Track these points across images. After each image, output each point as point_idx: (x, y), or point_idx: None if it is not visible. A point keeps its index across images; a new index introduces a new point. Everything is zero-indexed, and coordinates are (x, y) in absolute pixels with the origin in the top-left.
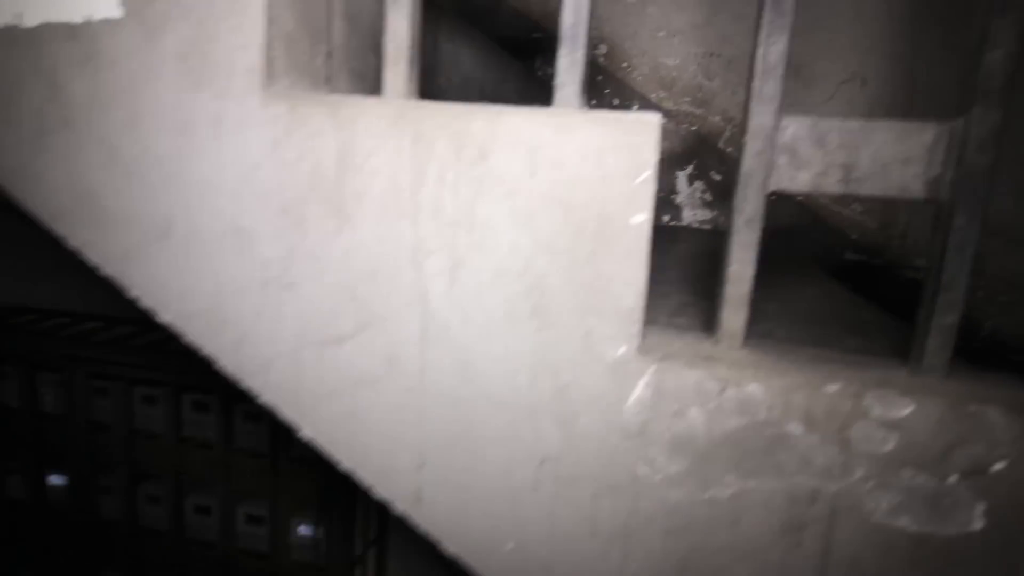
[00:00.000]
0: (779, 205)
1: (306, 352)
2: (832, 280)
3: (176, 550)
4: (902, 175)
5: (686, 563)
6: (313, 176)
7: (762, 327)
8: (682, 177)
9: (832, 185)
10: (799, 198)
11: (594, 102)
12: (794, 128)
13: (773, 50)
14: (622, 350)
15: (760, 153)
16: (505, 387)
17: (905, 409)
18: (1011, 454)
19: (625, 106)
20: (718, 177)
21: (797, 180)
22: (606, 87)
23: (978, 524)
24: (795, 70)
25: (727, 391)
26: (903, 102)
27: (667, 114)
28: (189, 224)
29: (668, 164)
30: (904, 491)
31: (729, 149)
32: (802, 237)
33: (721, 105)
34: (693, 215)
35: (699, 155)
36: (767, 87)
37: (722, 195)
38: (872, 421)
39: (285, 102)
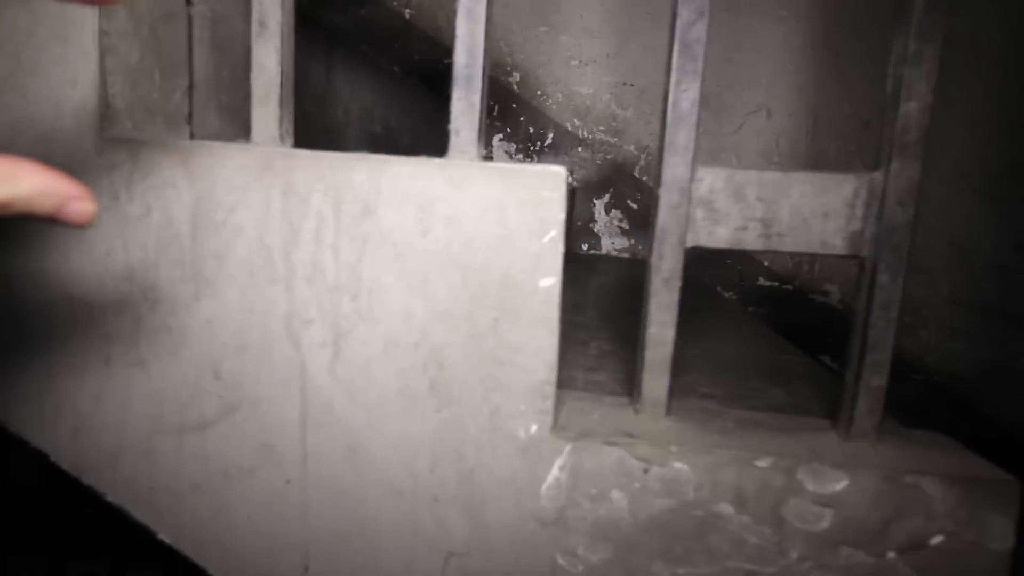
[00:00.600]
0: None
1: (161, 441)
2: (747, 313)
3: None
4: (823, 230)
5: None
6: (163, 235)
7: (684, 379)
8: (599, 206)
9: (752, 240)
10: None
11: (508, 129)
12: (710, 180)
13: (685, 97)
14: (533, 429)
15: (676, 207)
16: (402, 474)
17: (839, 483)
18: (948, 527)
19: (540, 134)
20: (635, 206)
21: (716, 235)
22: (521, 115)
23: None
24: (704, 100)
25: (651, 471)
26: (806, 133)
27: (582, 143)
28: (10, 292)
29: (585, 193)
30: (842, 571)
31: (644, 178)
32: (717, 264)
33: (635, 134)
34: (611, 243)
35: (615, 184)
36: (680, 136)
37: (639, 223)
38: (806, 497)
39: (126, 148)
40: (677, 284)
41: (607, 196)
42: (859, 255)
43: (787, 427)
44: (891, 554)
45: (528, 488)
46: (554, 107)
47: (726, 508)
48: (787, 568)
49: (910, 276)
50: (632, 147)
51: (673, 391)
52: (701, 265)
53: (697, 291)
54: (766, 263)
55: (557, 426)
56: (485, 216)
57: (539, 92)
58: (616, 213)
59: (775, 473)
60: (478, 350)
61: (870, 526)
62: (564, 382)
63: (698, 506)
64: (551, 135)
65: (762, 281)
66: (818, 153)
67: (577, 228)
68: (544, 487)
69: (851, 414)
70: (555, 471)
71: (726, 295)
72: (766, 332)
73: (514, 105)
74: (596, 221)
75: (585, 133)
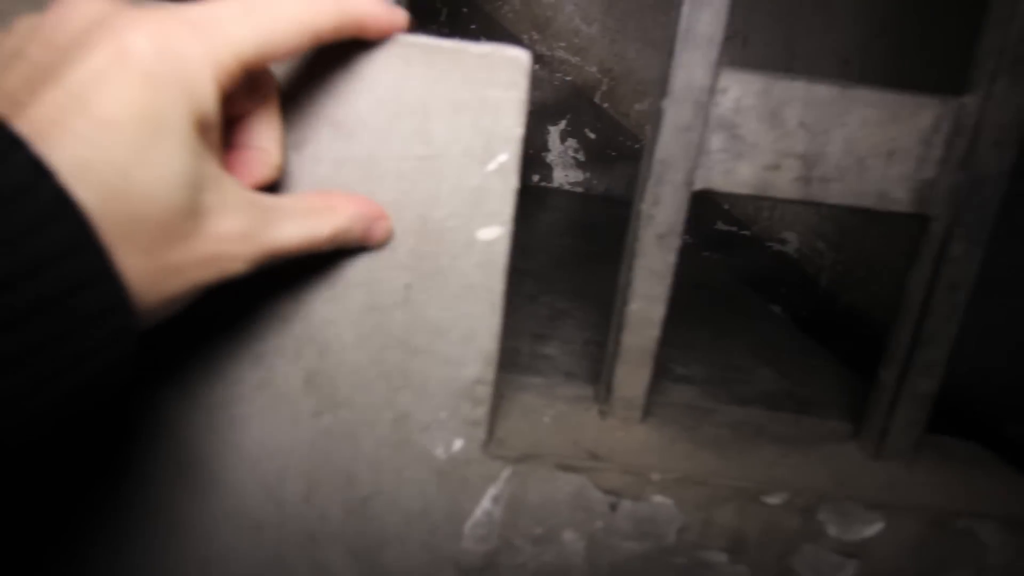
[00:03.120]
0: None
1: None
2: (711, 261)
3: None
4: (884, 176)
5: None
6: None
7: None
8: (554, 133)
9: (786, 186)
10: None
11: (456, 39)
12: (737, 91)
13: None
14: (457, 445)
15: (687, 129)
16: (263, 502)
17: (872, 527)
18: None
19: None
20: (592, 135)
21: (736, 175)
22: (472, 21)
23: None
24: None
25: (621, 506)
26: (783, 66)
27: (540, 60)
28: None
29: (539, 117)
30: None
31: (605, 105)
32: None
33: (598, 54)
34: (565, 176)
35: (573, 109)
36: (702, 19)
37: (596, 155)
38: (826, 544)
39: None
40: (676, 243)
41: (563, 123)
42: (927, 214)
43: (797, 436)
44: None
45: (446, 525)
46: (511, 16)
47: (717, 556)
48: None
49: (873, 227)
50: (595, 69)
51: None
52: None
53: None
54: (726, 206)
55: (493, 440)
56: (396, 124)
57: None
58: (572, 142)
59: (789, 513)
60: (379, 330)
61: None
62: (504, 356)
63: (680, 552)
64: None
65: (720, 225)
66: None
67: (528, 157)
68: (469, 524)
69: (886, 425)
70: (486, 503)
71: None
72: (738, 288)
73: (465, 9)
74: (549, 150)
75: (543, 49)
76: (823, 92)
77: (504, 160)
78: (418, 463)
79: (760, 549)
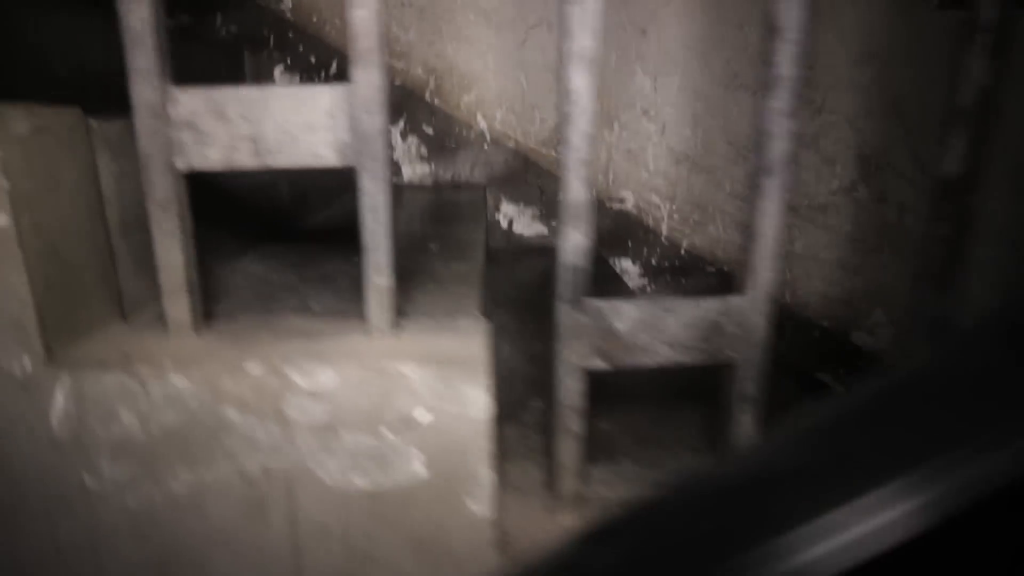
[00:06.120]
0: (493, 152)
1: None
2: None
3: None
4: (312, 142)
5: (164, 562)
6: None
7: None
8: (395, 132)
9: (247, 160)
10: (510, 143)
11: (289, 60)
12: (189, 102)
13: (135, 17)
14: (27, 362)
15: (156, 132)
16: None
17: (326, 375)
18: (432, 403)
19: (324, 63)
20: (430, 131)
21: (209, 157)
22: (300, 44)
23: (422, 473)
24: (485, 16)
25: (151, 388)
26: None
27: None
28: None
29: None
30: (347, 453)
31: (436, 101)
32: (517, 181)
33: (421, 56)
34: (412, 171)
35: (408, 109)
36: (140, 59)
37: (438, 148)
38: (301, 393)
39: None
40: (175, 209)
41: (401, 123)
42: (349, 165)
43: (322, 331)
44: (388, 434)
45: (38, 420)
46: (332, 33)
47: (232, 414)
48: (298, 458)
49: (698, 175)
50: (420, 70)
51: (252, 311)
52: (502, 183)
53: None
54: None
55: (56, 356)
56: None
57: (314, 17)
58: (413, 139)
59: (269, 375)
60: None
61: (363, 412)
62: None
63: (205, 414)
64: (335, 63)
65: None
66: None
67: None
68: (54, 417)
69: (367, 313)
70: (60, 401)
71: (529, 211)
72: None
73: (291, 34)
74: (394, 148)
75: None
76: (250, 93)
77: None
78: (8, 381)
79: (259, 402)
